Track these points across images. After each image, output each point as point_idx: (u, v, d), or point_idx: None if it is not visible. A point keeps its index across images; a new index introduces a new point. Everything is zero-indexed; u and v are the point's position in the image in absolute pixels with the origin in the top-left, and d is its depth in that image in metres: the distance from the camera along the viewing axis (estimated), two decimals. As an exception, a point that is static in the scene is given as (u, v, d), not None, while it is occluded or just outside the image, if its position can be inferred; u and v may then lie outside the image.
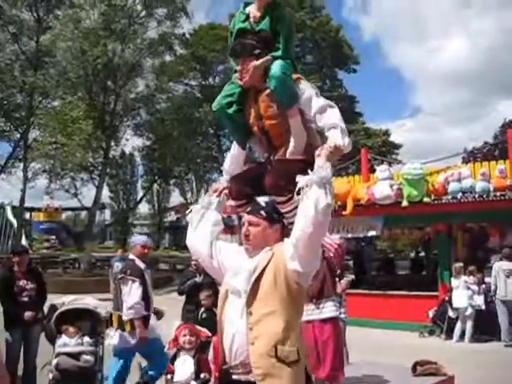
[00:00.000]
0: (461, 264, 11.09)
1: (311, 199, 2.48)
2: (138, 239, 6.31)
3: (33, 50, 28.92)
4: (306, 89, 2.98)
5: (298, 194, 2.57)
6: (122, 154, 36.91)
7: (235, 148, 3.35)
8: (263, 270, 2.56)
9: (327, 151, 2.59)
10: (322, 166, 2.52)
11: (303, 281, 2.60)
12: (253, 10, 3.27)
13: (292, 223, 2.67)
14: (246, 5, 3.33)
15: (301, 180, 2.56)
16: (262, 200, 2.83)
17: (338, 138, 2.71)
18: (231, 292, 2.67)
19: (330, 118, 2.84)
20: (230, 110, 3.19)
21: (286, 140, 3.04)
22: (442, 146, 78.88)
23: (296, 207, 2.66)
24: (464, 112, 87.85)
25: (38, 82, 26.95)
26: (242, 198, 3.12)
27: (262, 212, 2.73)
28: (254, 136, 3.16)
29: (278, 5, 3.25)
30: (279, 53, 3.07)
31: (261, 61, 3.00)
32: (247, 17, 3.27)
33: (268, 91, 3.02)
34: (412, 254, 22.66)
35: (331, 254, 5.28)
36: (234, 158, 3.36)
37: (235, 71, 3.19)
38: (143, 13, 28.70)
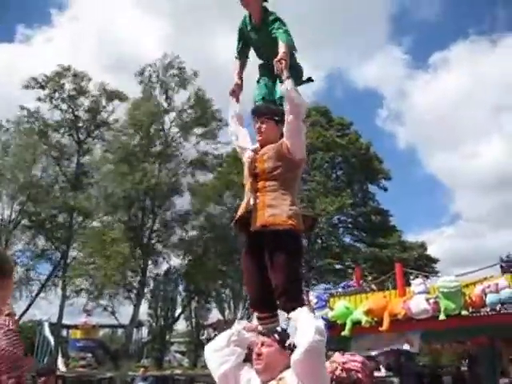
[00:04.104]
0: (506, 380, 10.68)
1: (302, 332, 2.82)
2: None
3: (73, 172, 30.38)
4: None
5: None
6: (160, 272, 37.20)
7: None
8: None
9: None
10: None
11: None
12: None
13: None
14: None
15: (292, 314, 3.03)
16: (278, 327, 3.16)
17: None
18: None
19: None
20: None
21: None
22: (484, 253, 76.60)
23: None
24: (505, 217, 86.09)
25: (79, 202, 28.06)
26: (265, 310, 3.49)
27: (276, 335, 2.97)
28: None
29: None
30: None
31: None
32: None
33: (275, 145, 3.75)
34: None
35: (360, 376, 5.22)
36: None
37: None
38: (179, 134, 30.01)
